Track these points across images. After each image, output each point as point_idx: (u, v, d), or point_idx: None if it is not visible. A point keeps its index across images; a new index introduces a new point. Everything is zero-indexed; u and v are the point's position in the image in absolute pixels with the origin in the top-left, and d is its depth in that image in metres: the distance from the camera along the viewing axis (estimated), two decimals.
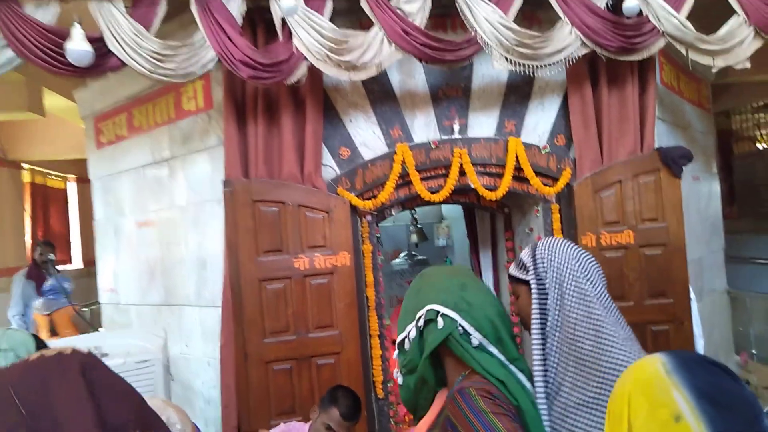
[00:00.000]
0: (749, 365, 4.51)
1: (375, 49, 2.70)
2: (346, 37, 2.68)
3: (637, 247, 3.08)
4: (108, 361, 2.28)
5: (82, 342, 2.46)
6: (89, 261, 5.65)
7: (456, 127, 3.12)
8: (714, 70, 3.01)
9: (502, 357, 1.18)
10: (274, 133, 2.97)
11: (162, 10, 2.59)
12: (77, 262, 8.33)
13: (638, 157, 3.12)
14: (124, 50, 2.52)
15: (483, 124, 3.16)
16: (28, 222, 7.54)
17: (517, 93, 3.18)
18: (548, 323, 1.22)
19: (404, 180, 3.04)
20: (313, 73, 2.78)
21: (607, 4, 2.84)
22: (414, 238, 5.03)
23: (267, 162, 2.96)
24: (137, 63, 2.54)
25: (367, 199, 3.01)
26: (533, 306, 1.24)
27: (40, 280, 5.00)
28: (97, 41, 2.51)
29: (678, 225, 3.10)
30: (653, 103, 3.16)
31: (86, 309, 5.62)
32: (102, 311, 4.09)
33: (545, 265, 1.26)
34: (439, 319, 1.18)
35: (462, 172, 3.04)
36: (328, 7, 2.70)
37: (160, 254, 3.52)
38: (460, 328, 1.18)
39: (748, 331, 4.76)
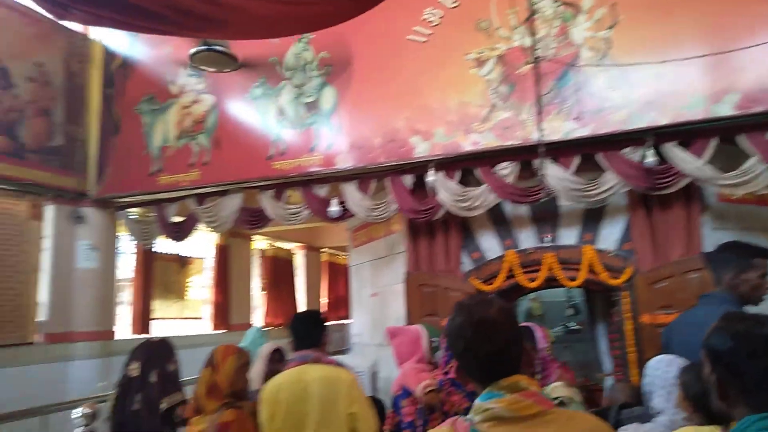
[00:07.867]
0: None
1: (483, 198, 4.62)
2: (466, 192, 4.67)
3: None
4: None
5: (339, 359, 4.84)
6: None
7: (548, 239, 4.72)
8: (734, 197, 3.94)
9: None
10: (433, 244, 5.07)
11: (373, 187, 5.01)
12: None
13: (686, 259, 4.19)
14: (354, 207, 5.00)
15: (568, 236, 4.68)
16: (325, 287, 11.10)
17: (593, 214, 4.61)
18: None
19: (512, 273, 4.75)
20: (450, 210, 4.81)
21: (641, 158, 4.19)
22: (568, 312, 6.35)
23: (429, 261, 5.05)
24: (360, 213, 4.99)
25: (488, 285, 4.81)
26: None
27: None
28: (341, 204, 5.05)
29: None
30: (698, 217, 4.22)
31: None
32: (352, 348, 6.65)
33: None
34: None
35: (550, 269, 4.60)
36: (457, 175, 4.74)
37: (379, 314, 5.86)
38: None
39: None
